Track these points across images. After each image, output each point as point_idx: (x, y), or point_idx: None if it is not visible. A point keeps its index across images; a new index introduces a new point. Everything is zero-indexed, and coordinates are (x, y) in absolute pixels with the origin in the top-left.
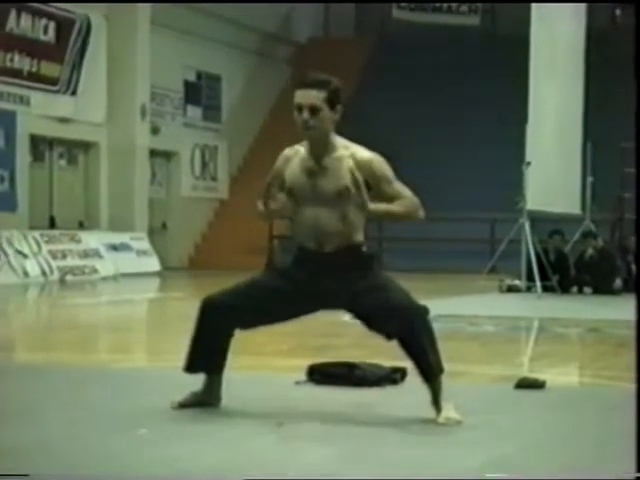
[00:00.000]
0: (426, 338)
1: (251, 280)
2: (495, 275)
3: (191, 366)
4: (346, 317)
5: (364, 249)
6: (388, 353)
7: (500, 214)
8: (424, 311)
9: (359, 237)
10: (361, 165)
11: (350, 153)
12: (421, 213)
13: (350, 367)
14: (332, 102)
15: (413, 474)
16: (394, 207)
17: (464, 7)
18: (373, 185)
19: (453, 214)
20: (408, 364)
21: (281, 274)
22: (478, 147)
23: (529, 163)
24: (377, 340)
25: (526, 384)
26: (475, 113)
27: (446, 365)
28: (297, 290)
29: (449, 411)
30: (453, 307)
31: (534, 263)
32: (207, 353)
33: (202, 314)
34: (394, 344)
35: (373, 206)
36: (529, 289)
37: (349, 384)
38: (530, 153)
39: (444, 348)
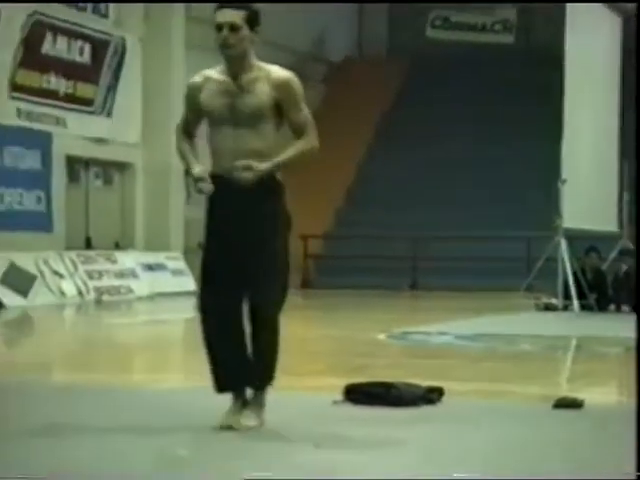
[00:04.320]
0: (273, 342)
1: (204, 252)
2: (532, 293)
3: (218, 385)
4: (381, 336)
5: (278, 176)
6: (424, 373)
7: (536, 232)
8: (277, 322)
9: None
10: (277, 84)
11: (265, 74)
12: (316, 150)
13: (387, 387)
14: (251, 22)
15: None
16: (288, 154)
17: (498, 25)
18: (284, 105)
19: (490, 232)
20: (445, 384)
21: (208, 222)
22: (514, 165)
23: (565, 180)
24: (414, 360)
25: (565, 404)
26: (510, 130)
27: (484, 385)
28: (223, 227)
29: (252, 420)
30: (490, 326)
31: (571, 281)
32: (228, 370)
33: (201, 326)
34: (431, 366)
35: (264, 166)
36: (566, 307)
37: (386, 404)
38: (566, 170)
39: (481, 368)
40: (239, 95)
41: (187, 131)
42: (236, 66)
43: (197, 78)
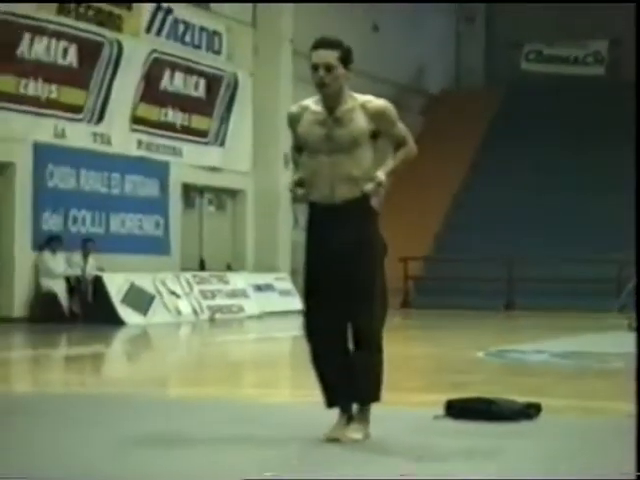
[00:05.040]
0: (375, 358)
1: (306, 277)
2: (624, 314)
3: (328, 401)
4: (479, 354)
5: (372, 203)
6: (521, 389)
7: (627, 255)
8: (380, 342)
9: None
10: (374, 114)
11: (361, 102)
12: (415, 152)
13: (487, 402)
14: (344, 60)
15: None
16: (395, 162)
17: (590, 58)
18: (383, 131)
19: (582, 255)
20: (541, 400)
21: (309, 246)
22: (604, 190)
23: None
24: (510, 377)
25: None
26: (599, 158)
27: (578, 402)
28: (323, 252)
29: (356, 433)
30: (582, 345)
31: None
32: (335, 387)
33: (308, 346)
34: (527, 383)
35: (381, 177)
36: None
37: (485, 418)
38: None
39: (575, 385)
40: (335, 126)
41: (299, 150)
42: (332, 101)
43: (294, 108)
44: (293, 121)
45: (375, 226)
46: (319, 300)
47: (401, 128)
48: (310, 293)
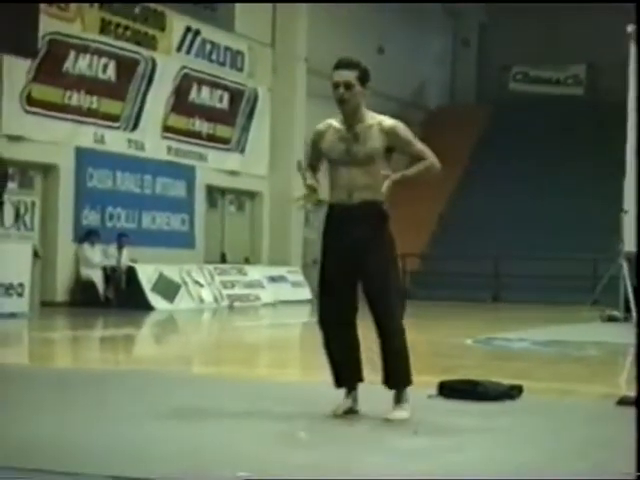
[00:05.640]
0: (401, 348)
1: (321, 269)
2: (597, 307)
3: (337, 382)
4: (468, 341)
5: (384, 206)
6: (506, 373)
7: (601, 254)
8: (401, 330)
9: (382, 195)
10: (386, 131)
11: (377, 122)
12: (437, 167)
13: (474, 384)
14: (362, 80)
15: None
16: (412, 170)
17: (570, 80)
18: (398, 147)
19: (562, 254)
20: (524, 383)
21: (325, 243)
22: (582, 198)
23: (626, 211)
24: (496, 362)
25: (626, 401)
26: (580, 168)
27: (556, 385)
28: (338, 247)
29: (402, 412)
30: (560, 334)
31: (631, 297)
32: (343, 369)
33: (321, 333)
34: (511, 367)
35: (394, 177)
36: (626, 319)
37: (473, 398)
38: (627, 202)
39: (554, 370)
40: (354, 142)
41: (312, 166)
42: (351, 117)
43: (321, 126)
44: (319, 136)
45: (386, 225)
46: (332, 290)
47: (418, 146)
48: (324, 284)
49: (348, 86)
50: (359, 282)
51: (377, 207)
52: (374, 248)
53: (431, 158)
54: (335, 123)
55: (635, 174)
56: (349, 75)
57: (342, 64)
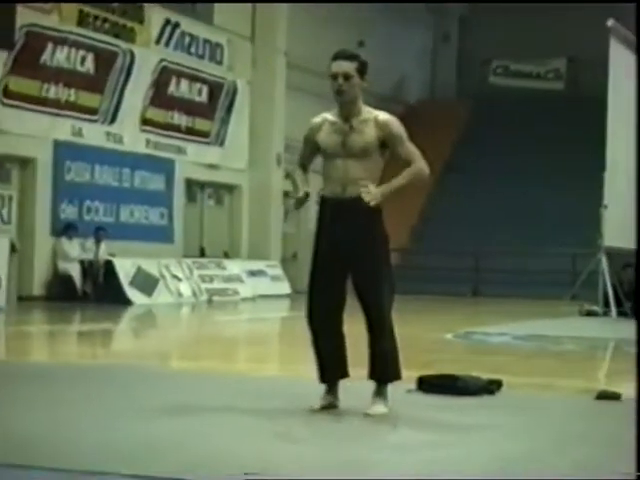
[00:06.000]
0: (389, 343)
1: (313, 262)
2: (576, 302)
3: (322, 377)
4: (447, 335)
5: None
6: (485, 367)
7: (580, 249)
8: (390, 324)
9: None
10: (380, 125)
11: (373, 116)
12: (425, 173)
13: (453, 379)
14: (361, 72)
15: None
16: (400, 181)
17: (550, 74)
18: (390, 144)
19: (540, 249)
20: (503, 377)
21: (317, 236)
22: (562, 192)
23: (606, 206)
24: (475, 356)
25: (605, 396)
26: (560, 162)
27: (535, 379)
28: (331, 241)
29: (380, 407)
30: (539, 328)
31: (610, 291)
32: (329, 364)
33: (309, 328)
34: (490, 362)
35: (381, 193)
36: (605, 314)
37: (452, 393)
38: (607, 197)
39: (533, 364)
40: (350, 134)
41: (303, 165)
42: (347, 110)
43: (317, 119)
44: (314, 130)
45: (379, 220)
46: (323, 285)
47: (409, 148)
48: (315, 278)
49: (347, 77)
50: (350, 277)
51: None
52: (367, 243)
53: (419, 163)
54: (330, 116)
55: (635, 174)
56: (348, 66)
57: (341, 55)
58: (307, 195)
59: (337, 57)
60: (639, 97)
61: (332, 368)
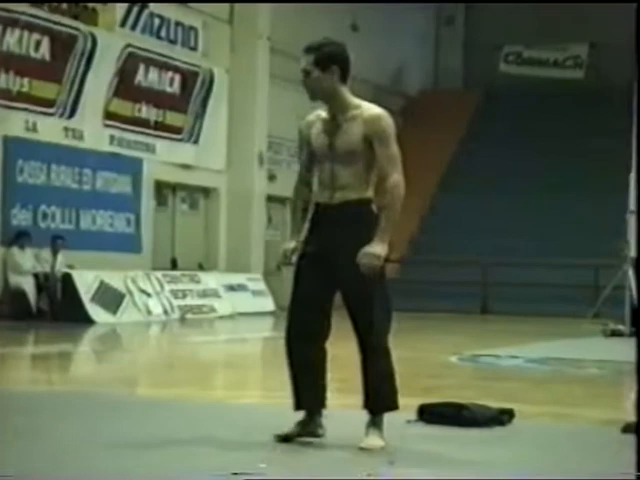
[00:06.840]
0: (385, 367)
1: (294, 279)
2: (599, 320)
3: (297, 404)
4: (452, 358)
5: (373, 206)
6: (495, 395)
7: (604, 260)
8: (386, 347)
9: (369, 193)
10: (367, 120)
11: (360, 111)
12: (400, 191)
13: (459, 408)
14: (321, 63)
15: None
16: (386, 223)
17: (569, 61)
18: (372, 140)
19: (558, 260)
20: (515, 406)
21: (303, 246)
22: (582, 195)
23: (633, 211)
24: (484, 382)
25: (633, 429)
26: (579, 162)
27: (552, 408)
28: (314, 253)
29: (376, 439)
30: (557, 350)
31: (638, 308)
32: (307, 390)
33: (286, 350)
34: (501, 388)
35: (378, 255)
36: (633, 334)
37: (458, 424)
38: (633, 202)
39: (549, 391)
40: (337, 135)
41: (305, 180)
42: (330, 107)
43: (311, 117)
44: (306, 128)
45: (372, 229)
46: (304, 303)
47: (390, 151)
48: (296, 295)
49: (305, 73)
50: (337, 294)
51: (362, 208)
52: (356, 253)
53: (395, 176)
54: (324, 114)
55: (635, 174)
56: (306, 60)
57: (304, 49)
58: (294, 250)
59: (302, 51)
60: (639, 97)
61: (308, 396)
